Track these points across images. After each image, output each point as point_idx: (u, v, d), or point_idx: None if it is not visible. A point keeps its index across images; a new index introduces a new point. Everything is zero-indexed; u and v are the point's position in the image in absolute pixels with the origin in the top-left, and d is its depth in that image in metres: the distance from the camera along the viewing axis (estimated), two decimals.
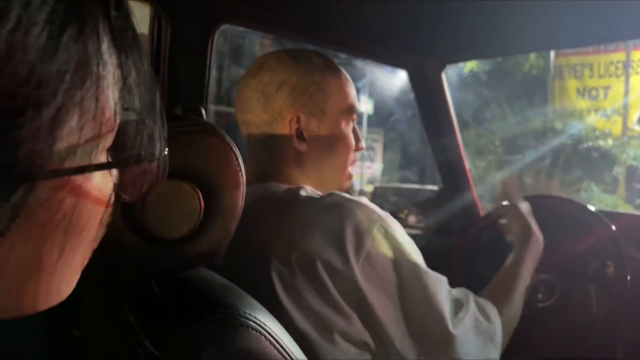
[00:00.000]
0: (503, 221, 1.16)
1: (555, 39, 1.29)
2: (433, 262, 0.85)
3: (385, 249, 0.75)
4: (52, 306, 0.28)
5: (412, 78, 1.53)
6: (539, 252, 1.04)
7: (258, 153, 0.89)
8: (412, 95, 1.58)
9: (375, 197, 4.80)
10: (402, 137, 10.45)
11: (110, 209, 0.30)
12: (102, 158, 0.27)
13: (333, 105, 0.87)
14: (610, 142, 8.31)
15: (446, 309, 0.77)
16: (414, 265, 0.76)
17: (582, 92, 8.62)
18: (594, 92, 8.53)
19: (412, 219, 2.01)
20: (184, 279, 0.50)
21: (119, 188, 0.30)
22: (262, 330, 0.45)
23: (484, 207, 1.67)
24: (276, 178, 0.87)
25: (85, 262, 0.30)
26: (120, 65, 0.27)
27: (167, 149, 0.32)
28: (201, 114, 0.71)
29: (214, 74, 1.09)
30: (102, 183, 0.28)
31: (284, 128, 0.86)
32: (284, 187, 0.84)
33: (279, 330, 0.47)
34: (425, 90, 1.53)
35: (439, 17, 1.13)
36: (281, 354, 0.45)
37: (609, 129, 8.40)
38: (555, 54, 8.48)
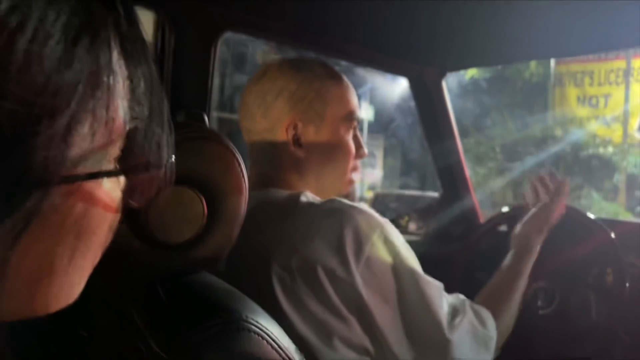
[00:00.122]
0: (502, 228, 1.16)
1: (556, 47, 1.30)
2: (434, 268, 0.85)
3: (384, 255, 0.75)
4: (61, 308, 0.29)
5: (413, 85, 1.54)
6: (534, 257, 1.04)
7: (259, 159, 0.90)
8: (412, 103, 1.58)
9: (375, 203, 4.79)
10: (402, 143, 10.46)
11: (118, 215, 0.30)
12: (112, 165, 0.28)
13: (332, 112, 0.88)
14: (610, 149, 8.32)
15: (443, 314, 0.78)
16: (412, 271, 0.78)
17: (582, 99, 8.64)
18: (594, 100, 8.54)
19: (412, 226, 2.01)
20: (187, 283, 0.51)
21: (126, 194, 0.31)
22: (264, 334, 0.45)
23: (484, 214, 1.68)
24: (277, 184, 0.87)
25: (94, 265, 0.31)
26: (130, 75, 0.28)
27: (174, 156, 0.33)
28: (204, 121, 0.71)
29: (217, 81, 1.10)
30: (112, 189, 0.29)
31: (282, 134, 0.86)
32: (284, 193, 0.85)
33: (280, 335, 0.47)
34: (426, 97, 1.54)
35: (439, 25, 1.14)
36: (282, 357, 0.46)
37: (609, 137, 8.41)
38: (556, 61, 8.50)
